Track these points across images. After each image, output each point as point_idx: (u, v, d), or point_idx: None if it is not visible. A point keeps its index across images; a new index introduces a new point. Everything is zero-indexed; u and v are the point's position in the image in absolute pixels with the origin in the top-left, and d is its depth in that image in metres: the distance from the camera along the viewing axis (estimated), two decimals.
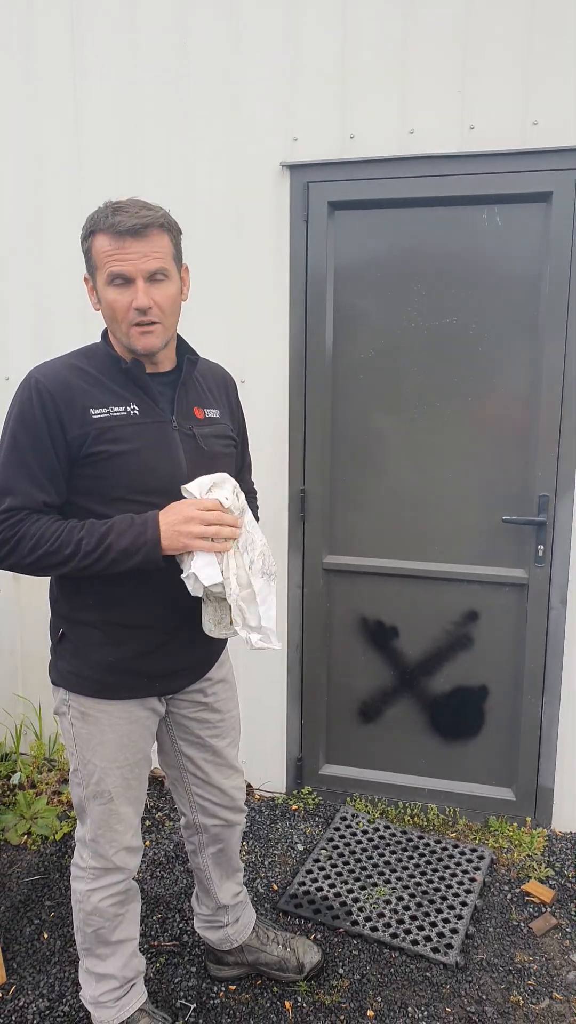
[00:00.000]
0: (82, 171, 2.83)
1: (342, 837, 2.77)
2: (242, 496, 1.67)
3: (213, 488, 1.63)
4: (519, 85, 2.46)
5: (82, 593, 1.70)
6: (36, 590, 3.10)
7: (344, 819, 2.87)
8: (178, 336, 1.77)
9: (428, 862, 2.64)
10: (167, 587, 1.67)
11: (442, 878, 2.56)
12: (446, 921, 2.37)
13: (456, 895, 2.48)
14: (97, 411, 1.61)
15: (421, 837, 2.77)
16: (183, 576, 1.62)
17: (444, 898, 2.47)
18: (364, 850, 2.70)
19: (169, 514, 1.59)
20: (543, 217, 2.53)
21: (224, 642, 1.93)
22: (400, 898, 2.47)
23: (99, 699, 1.74)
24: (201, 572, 1.57)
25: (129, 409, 1.64)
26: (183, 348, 1.78)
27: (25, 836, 2.78)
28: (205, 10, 2.64)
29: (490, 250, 2.59)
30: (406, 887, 2.52)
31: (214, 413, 1.81)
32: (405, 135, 2.56)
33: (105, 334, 1.73)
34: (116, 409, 1.63)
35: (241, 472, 1.99)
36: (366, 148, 2.60)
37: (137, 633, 1.72)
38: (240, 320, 2.79)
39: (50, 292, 2.94)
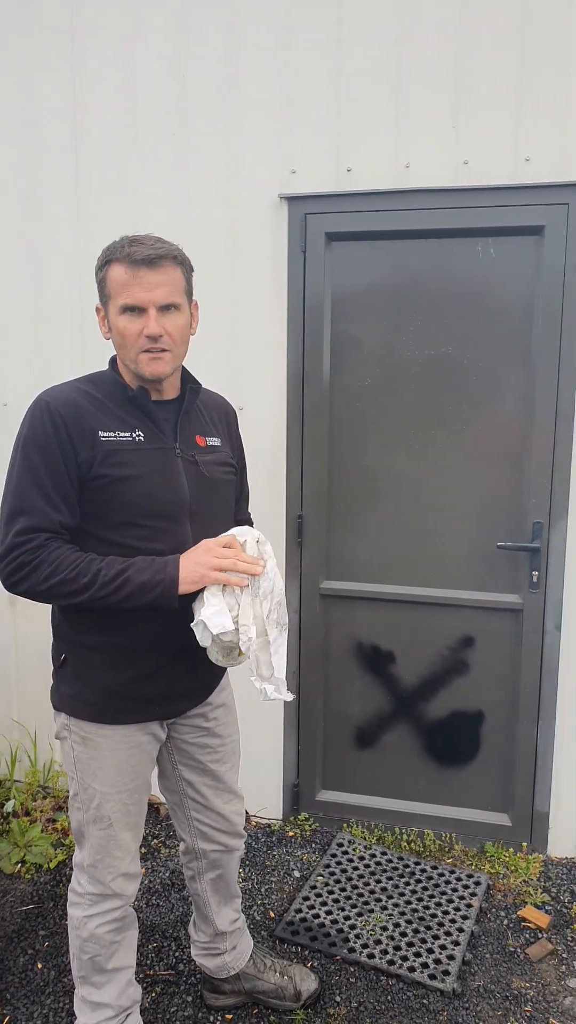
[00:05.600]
0: (80, 201, 2.87)
1: (339, 864, 2.76)
2: (268, 547, 1.67)
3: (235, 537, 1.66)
4: (511, 121, 2.53)
5: (85, 616, 1.71)
6: (32, 615, 3.09)
7: (341, 845, 2.86)
8: (182, 366, 1.80)
9: (425, 888, 2.63)
10: (169, 611, 1.68)
11: (439, 904, 2.55)
12: (443, 947, 2.36)
13: (453, 921, 2.47)
14: (105, 434, 1.64)
15: (418, 863, 2.76)
16: (193, 625, 1.61)
17: (441, 924, 2.46)
18: (361, 877, 2.69)
19: (188, 553, 1.63)
20: (536, 249, 2.59)
21: (225, 667, 1.94)
22: (397, 925, 2.46)
23: (100, 724, 1.74)
24: (211, 620, 1.56)
25: (134, 435, 1.67)
26: (186, 378, 1.82)
27: (19, 865, 2.76)
28: (203, 45, 2.71)
29: (484, 281, 2.65)
30: (403, 913, 2.51)
31: (215, 441, 1.84)
32: (401, 169, 2.62)
33: (113, 361, 1.76)
34: (122, 434, 1.66)
35: (239, 502, 2.01)
36: (362, 181, 2.66)
37: (139, 657, 1.73)
38: (239, 348, 2.82)
39: (48, 321, 2.96)
